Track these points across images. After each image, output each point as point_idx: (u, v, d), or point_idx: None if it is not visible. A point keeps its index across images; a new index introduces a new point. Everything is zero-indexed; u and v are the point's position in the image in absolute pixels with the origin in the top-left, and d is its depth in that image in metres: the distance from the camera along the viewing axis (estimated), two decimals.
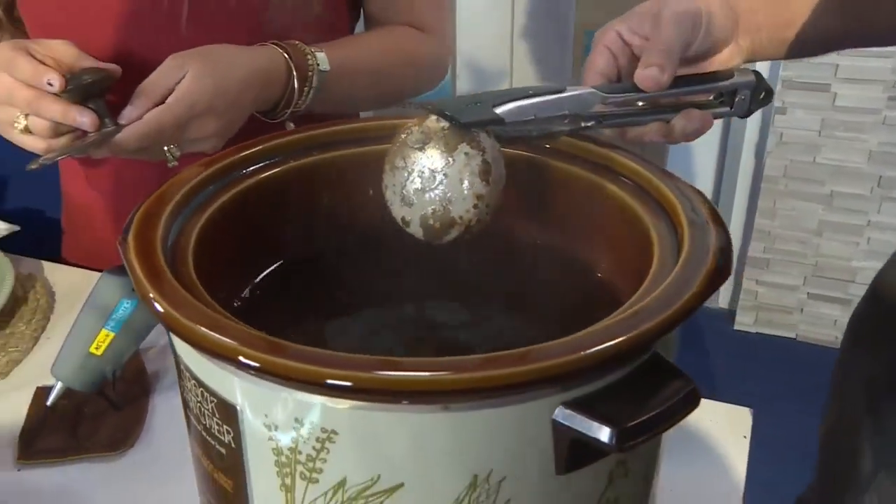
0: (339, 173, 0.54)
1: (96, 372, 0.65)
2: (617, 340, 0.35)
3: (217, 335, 0.36)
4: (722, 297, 2.48)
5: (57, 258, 0.92)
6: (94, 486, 0.61)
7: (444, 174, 0.46)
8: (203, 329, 0.37)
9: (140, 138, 0.67)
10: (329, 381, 0.34)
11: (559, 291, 0.51)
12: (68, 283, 0.86)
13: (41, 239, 0.94)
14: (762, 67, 2.13)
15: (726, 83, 0.56)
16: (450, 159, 0.45)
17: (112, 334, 0.65)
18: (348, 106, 0.87)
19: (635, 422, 0.36)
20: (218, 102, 0.69)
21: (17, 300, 0.81)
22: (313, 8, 0.81)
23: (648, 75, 0.50)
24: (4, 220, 0.90)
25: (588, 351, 0.35)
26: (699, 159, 2.40)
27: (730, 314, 2.42)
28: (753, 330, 2.37)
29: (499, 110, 0.46)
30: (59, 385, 0.65)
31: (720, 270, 0.40)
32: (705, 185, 2.42)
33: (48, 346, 0.76)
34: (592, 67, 0.55)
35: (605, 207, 0.50)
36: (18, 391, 0.70)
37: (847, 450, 0.69)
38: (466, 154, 0.46)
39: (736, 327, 2.38)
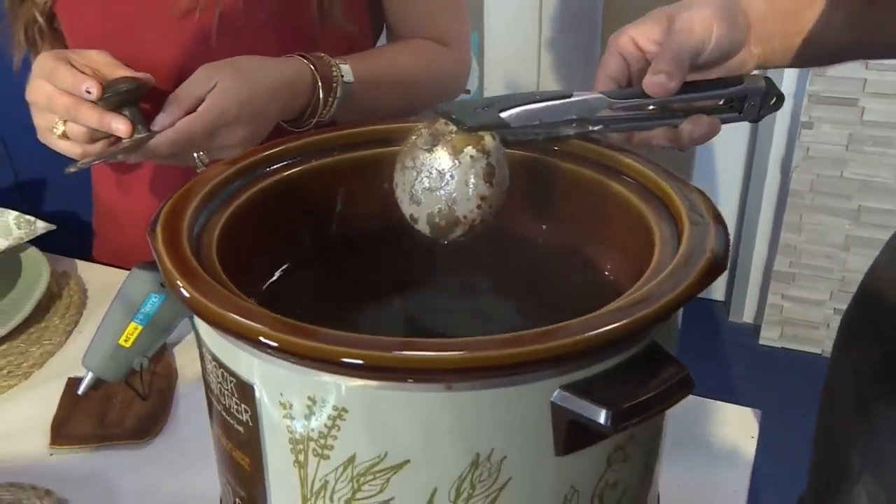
0: (355, 173, 0.56)
1: (125, 363, 0.68)
2: (613, 326, 0.37)
3: (237, 317, 0.39)
4: (747, 312, 2.47)
5: (89, 258, 0.95)
6: (120, 472, 0.64)
7: (450, 175, 0.48)
8: (224, 311, 0.39)
9: (171, 145, 0.70)
10: (342, 360, 0.36)
11: (565, 285, 0.53)
12: (100, 280, 0.89)
13: (76, 240, 0.98)
14: (788, 81, 2.13)
15: (736, 89, 0.57)
16: (456, 161, 0.48)
17: (140, 327, 0.68)
18: (371, 116, 0.90)
19: (629, 404, 0.37)
20: (246, 111, 0.71)
21: (52, 296, 0.84)
22: (337, 22, 0.83)
23: (656, 82, 0.52)
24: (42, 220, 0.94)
25: (585, 335, 0.37)
26: (725, 173, 2.40)
27: (755, 329, 2.41)
28: (779, 345, 2.36)
29: (505, 114, 0.48)
30: (89, 375, 0.68)
31: (716, 264, 0.41)
32: (731, 199, 2.41)
33: (80, 340, 0.79)
34: (604, 71, 0.57)
35: (611, 206, 0.52)
36: (51, 381, 0.73)
37: (836, 448, 0.70)
38: (472, 157, 0.48)
39: (761, 342, 2.37)
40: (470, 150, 0.47)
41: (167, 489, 0.62)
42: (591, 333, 0.37)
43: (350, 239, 0.58)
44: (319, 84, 0.77)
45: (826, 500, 0.73)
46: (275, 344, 0.38)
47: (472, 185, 0.48)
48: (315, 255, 0.57)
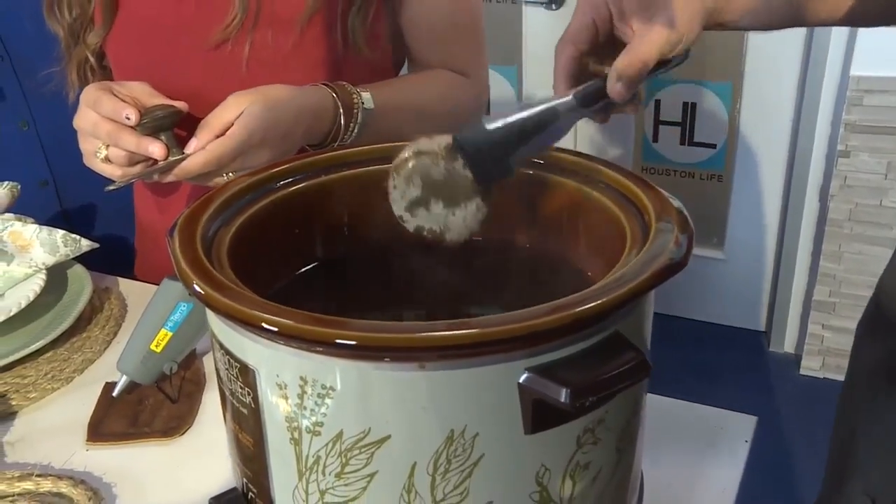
0: (359, 188, 0.61)
1: (156, 367, 0.73)
2: (570, 311, 0.41)
3: (241, 306, 0.43)
4: (788, 341, 2.45)
5: (129, 276, 1.02)
6: (149, 466, 0.69)
7: (442, 203, 0.53)
8: (230, 301, 0.44)
9: (202, 165, 0.76)
10: (329, 340, 0.41)
11: (548, 285, 0.57)
12: (138, 296, 0.95)
13: (117, 261, 1.05)
14: (825, 109, 2.13)
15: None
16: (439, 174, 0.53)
17: (170, 333, 0.73)
18: (390, 140, 0.95)
19: (587, 383, 0.41)
20: (271, 135, 0.77)
21: (94, 309, 0.90)
22: (361, 50, 0.89)
23: (618, 91, 0.54)
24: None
25: (542, 318, 0.41)
26: (763, 203, 2.39)
27: (796, 358, 2.39)
28: (820, 375, 2.33)
29: (490, 125, 0.53)
30: (123, 378, 0.73)
31: (672, 265, 0.45)
32: (770, 228, 2.41)
33: (118, 349, 0.84)
34: (562, 71, 0.58)
35: (591, 214, 0.55)
36: (90, 385, 0.79)
37: (847, 439, 0.71)
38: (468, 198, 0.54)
39: (802, 371, 2.34)
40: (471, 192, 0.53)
41: (190, 482, 0.67)
42: (548, 318, 0.40)
43: (353, 249, 0.62)
44: (341, 110, 0.82)
45: (834, 488, 0.75)
46: (273, 328, 0.42)
47: (461, 216, 0.53)
48: (320, 262, 0.61)
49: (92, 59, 0.93)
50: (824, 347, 2.30)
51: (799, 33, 2.17)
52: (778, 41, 2.20)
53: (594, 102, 0.55)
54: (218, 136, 0.76)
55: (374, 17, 0.89)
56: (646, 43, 0.54)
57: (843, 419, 0.78)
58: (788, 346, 2.45)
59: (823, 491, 0.83)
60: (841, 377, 2.34)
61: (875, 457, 0.69)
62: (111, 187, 0.79)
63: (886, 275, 0.74)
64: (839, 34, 2.08)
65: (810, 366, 2.33)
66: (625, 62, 0.54)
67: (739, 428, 0.69)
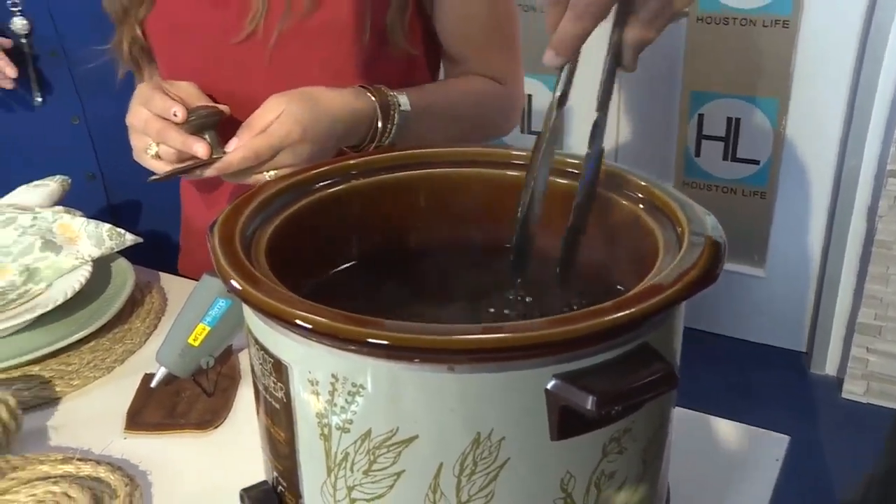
0: (394, 192, 0.62)
1: (193, 360, 0.74)
2: (594, 321, 0.41)
3: (277, 303, 0.44)
4: (829, 364, 2.41)
5: (171, 271, 1.04)
6: (184, 456, 0.70)
7: None
8: (266, 298, 0.45)
9: (241, 160, 0.78)
10: (360, 339, 0.42)
11: (578, 291, 0.57)
12: (178, 291, 0.97)
13: (159, 257, 1.07)
14: (876, 130, 2.10)
15: None
16: None
17: (208, 328, 0.75)
18: (425, 143, 0.96)
19: (614, 391, 0.41)
20: (310, 134, 0.79)
21: (135, 302, 0.93)
22: (399, 45, 0.90)
23: (635, 65, 0.53)
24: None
25: (577, 325, 0.41)
26: (807, 222, 2.36)
27: (838, 382, 2.35)
28: (864, 400, 2.28)
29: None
30: (161, 370, 0.75)
31: (700, 280, 0.45)
32: (814, 248, 2.37)
33: (157, 342, 0.86)
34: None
35: (623, 223, 0.56)
36: (130, 376, 0.81)
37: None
38: None
39: (844, 395, 2.29)
40: None
41: (222, 474, 0.68)
42: (578, 325, 0.41)
43: (386, 252, 0.63)
44: (379, 113, 0.83)
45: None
46: (308, 326, 0.43)
47: None
48: (354, 263, 0.62)
49: (141, 38, 0.95)
50: (868, 372, 2.25)
51: (850, 49, 2.13)
52: (829, 58, 2.17)
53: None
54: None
55: (411, 17, 0.90)
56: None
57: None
58: (830, 369, 2.41)
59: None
60: (887, 403, 2.28)
61: None
62: (154, 178, 0.82)
63: None
64: (892, 51, 2.05)
65: (853, 390, 2.28)
66: (637, 35, 0.52)
67: (771, 447, 0.68)
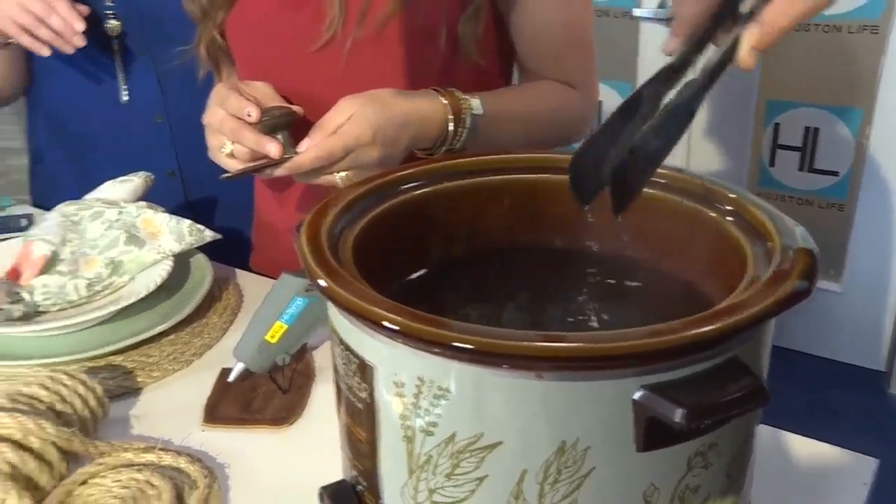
0: (477, 196, 0.62)
1: (270, 357, 0.76)
2: (695, 332, 0.40)
3: (365, 304, 0.45)
4: (877, 359, 2.34)
5: (243, 268, 1.06)
6: (258, 450, 0.72)
7: None
8: (354, 298, 0.45)
9: (312, 160, 0.80)
10: (448, 343, 0.42)
11: (664, 301, 0.56)
12: (254, 287, 0.99)
13: (235, 253, 1.10)
14: None
15: None
16: None
17: (285, 326, 0.76)
18: (497, 148, 0.96)
19: (704, 405, 0.41)
20: (380, 136, 0.80)
21: (213, 297, 0.95)
22: (470, 58, 0.90)
23: (750, 64, 0.50)
24: None
25: (667, 337, 0.40)
26: (888, 236, 2.28)
27: (885, 376, 2.27)
28: None
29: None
30: (238, 365, 0.77)
31: (795, 293, 0.44)
32: (893, 262, 2.29)
33: (234, 337, 0.88)
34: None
35: (710, 235, 0.55)
36: (207, 370, 0.83)
37: None
38: None
39: (892, 390, 2.23)
40: None
41: (297, 471, 0.69)
42: (668, 337, 0.40)
43: (471, 254, 0.63)
44: (450, 115, 0.84)
45: None
46: (396, 328, 0.43)
47: None
48: (438, 265, 0.63)
49: (219, 39, 0.97)
50: None
51: None
52: None
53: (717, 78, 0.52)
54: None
55: (485, 25, 0.90)
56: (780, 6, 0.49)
57: None
58: (878, 364, 2.33)
59: None
60: None
61: None
62: (226, 175, 0.84)
63: None
64: None
65: None
66: (759, 34, 0.49)
67: (858, 470, 0.66)
